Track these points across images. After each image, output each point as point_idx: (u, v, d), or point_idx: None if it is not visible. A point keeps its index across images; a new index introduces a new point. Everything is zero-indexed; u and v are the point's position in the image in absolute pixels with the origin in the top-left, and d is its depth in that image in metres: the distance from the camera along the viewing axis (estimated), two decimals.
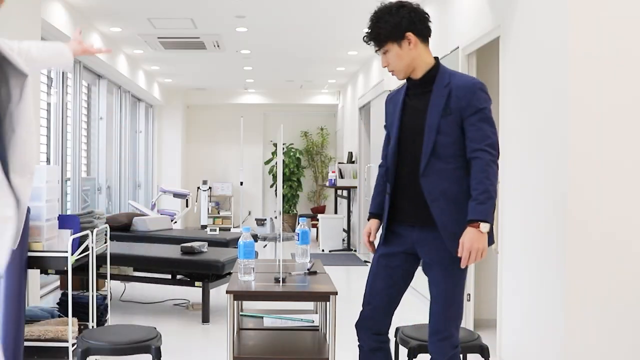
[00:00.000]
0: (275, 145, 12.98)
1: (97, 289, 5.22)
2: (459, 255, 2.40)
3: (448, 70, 2.58)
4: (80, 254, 3.74)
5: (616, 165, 3.08)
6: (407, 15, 2.52)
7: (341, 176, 9.82)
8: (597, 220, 3.07)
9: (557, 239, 3.20)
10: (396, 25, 2.51)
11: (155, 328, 2.95)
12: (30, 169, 1.82)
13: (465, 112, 2.45)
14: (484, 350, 2.78)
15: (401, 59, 2.55)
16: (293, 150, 12.71)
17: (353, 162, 9.93)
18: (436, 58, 2.61)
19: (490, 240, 2.49)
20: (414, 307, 5.65)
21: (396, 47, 2.54)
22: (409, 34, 2.51)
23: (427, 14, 2.58)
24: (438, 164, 2.48)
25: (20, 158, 1.78)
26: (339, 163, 10.23)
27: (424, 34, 2.57)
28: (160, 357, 2.82)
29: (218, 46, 8.12)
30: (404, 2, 2.57)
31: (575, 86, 3.08)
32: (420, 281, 6.59)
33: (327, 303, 2.94)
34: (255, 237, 6.71)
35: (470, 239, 2.37)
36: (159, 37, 7.67)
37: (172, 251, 5.49)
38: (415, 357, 2.76)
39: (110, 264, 4.96)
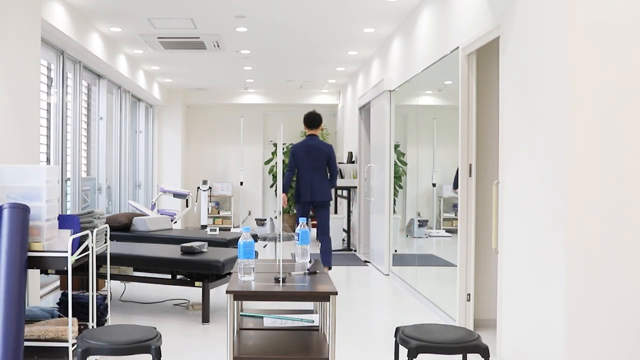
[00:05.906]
0: (275, 145, 12.98)
1: (97, 289, 5.22)
2: None
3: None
4: (80, 254, 3.74)
5: (616, 165, 3.08)
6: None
7: (341, 176, 9.82)
8: (597, 219, 3.07)
9: (557, 239, 3.20)
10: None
11: (155, 328, 2.95)
12: None
13: None
14: (484, 350, 2.78)
15: None
16: None
17: (353, 162, 9.93)
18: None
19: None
20: (414, 307, 5.64)
21: None
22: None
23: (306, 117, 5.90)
24: None
25: None
26: (339, 163, 10.22)
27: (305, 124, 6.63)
28: (160, 357, 2.82)
29: (218, 46, 8.12)
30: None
31: (575, 86, 3.09)
32: (420, 282, 6.58)
33: (327, 303, 2.94)
34: (255, 237, 6.71)
35: None
36: (159, 37, 7.67)
37: (172, 251, 5.49)
38: (415, 357, 2.76)
39: (110, 264, 4.96)
